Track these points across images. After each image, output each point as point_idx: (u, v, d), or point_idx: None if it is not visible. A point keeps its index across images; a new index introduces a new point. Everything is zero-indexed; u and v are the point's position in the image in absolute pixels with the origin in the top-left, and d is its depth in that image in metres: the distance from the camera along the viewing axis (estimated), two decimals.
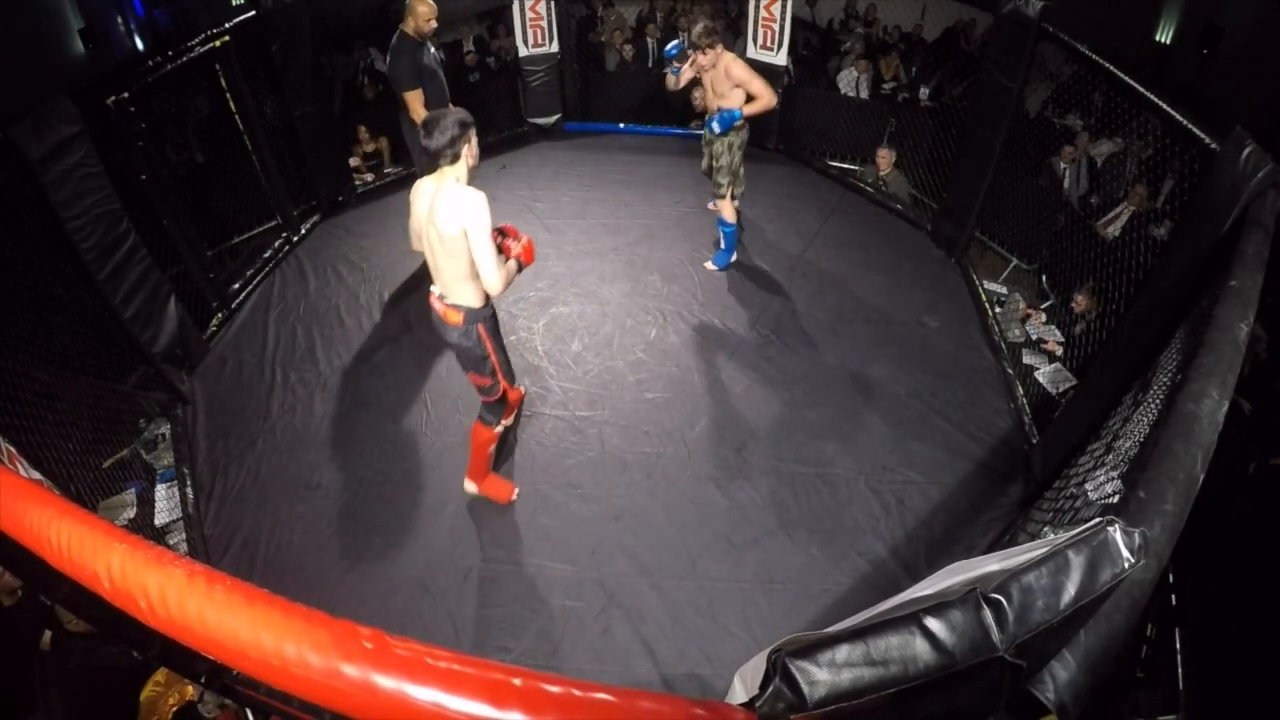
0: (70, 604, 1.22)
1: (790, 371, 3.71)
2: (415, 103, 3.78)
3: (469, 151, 2.39)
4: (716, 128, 3.79)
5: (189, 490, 3.16)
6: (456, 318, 2.52)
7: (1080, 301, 3.83)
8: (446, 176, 2.36)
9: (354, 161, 5.46)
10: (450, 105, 4.01)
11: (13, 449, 2.27)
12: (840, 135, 5.84)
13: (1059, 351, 3.89)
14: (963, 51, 6.48)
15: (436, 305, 2.56)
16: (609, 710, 0.87)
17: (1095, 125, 5.42)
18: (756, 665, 0.99)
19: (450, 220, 2.29)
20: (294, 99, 4.54)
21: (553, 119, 6.03)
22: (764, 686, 0.88)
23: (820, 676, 0.86)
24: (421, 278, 4.40)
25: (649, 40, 6.71)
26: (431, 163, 2.38)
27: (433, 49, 3.92)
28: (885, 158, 5.30)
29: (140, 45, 8.69)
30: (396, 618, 2.65)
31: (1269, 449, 3.39)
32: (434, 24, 3.75)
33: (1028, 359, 3.88)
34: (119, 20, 8.49)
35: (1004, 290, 4.45)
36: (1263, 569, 2.93)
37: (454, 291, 2.49)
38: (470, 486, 3.08)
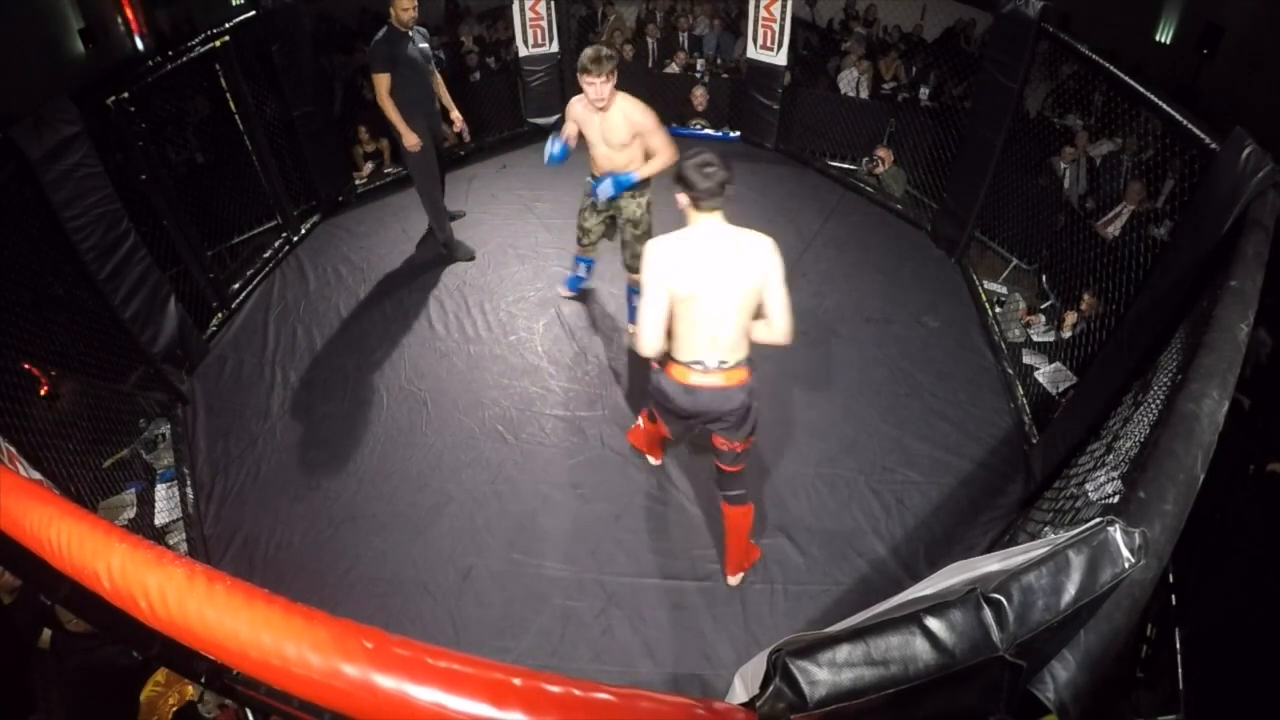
0: (70, 604, 1.22)
1: (790, 371, 3.71)
2: (380, 85, 3.81)
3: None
4: (609, 190, 3.09)
5: (189, 490, 3.16)
6: (744, 375, 2.25)
7: (1085, 302, 3.80)
8: (720, 220, 2.13)
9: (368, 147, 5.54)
10: (443, 98, 4.14)
11: (13, 449, 2.27)
12: (840, 135, 5.84)
13: (1069, 334, 3.85)
14: (963, 51, 6.48)
15: (712, 380, 2.21)
16: (609, 710, 0.86)
17: (1095, 125, 5.43)
18: (757, 665, 0.99)
19: (754, 268, 2.08)
20: (294, 99, 4.54)
21: (553, 119, 6.02)
22: (764, 686, 0.88)
23: (821, 676, 0.86)
24: (421, 277, 4.39)
25: (649, 40, 6.72)
26: (707, 201, 2.10)
27: (422, 43, 3.92)
28: (885, 156, 5.31)
29: (140, 45, 8.69)
30: (396, 618, 2.65)
31: (1269, 451, 3.39)
32: (412, 12, 3.76)
33: (1028, 359, 3.88)
34: (119, 20, 8.49)
35: (1004, 290, 4.46)
36: (1263, 569, 2.93)
37: (739, 350, 2.21)
38: (734, 579, 2.77)
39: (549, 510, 3.05)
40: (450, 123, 4.21)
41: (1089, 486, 2.26)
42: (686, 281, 2.10)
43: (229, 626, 0.89)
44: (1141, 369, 2.46)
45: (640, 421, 3.07)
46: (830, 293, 4.30)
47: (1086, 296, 3.79)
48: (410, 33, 3.82)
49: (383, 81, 3.81)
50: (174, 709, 2.60)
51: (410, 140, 3.93)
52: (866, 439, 3.37)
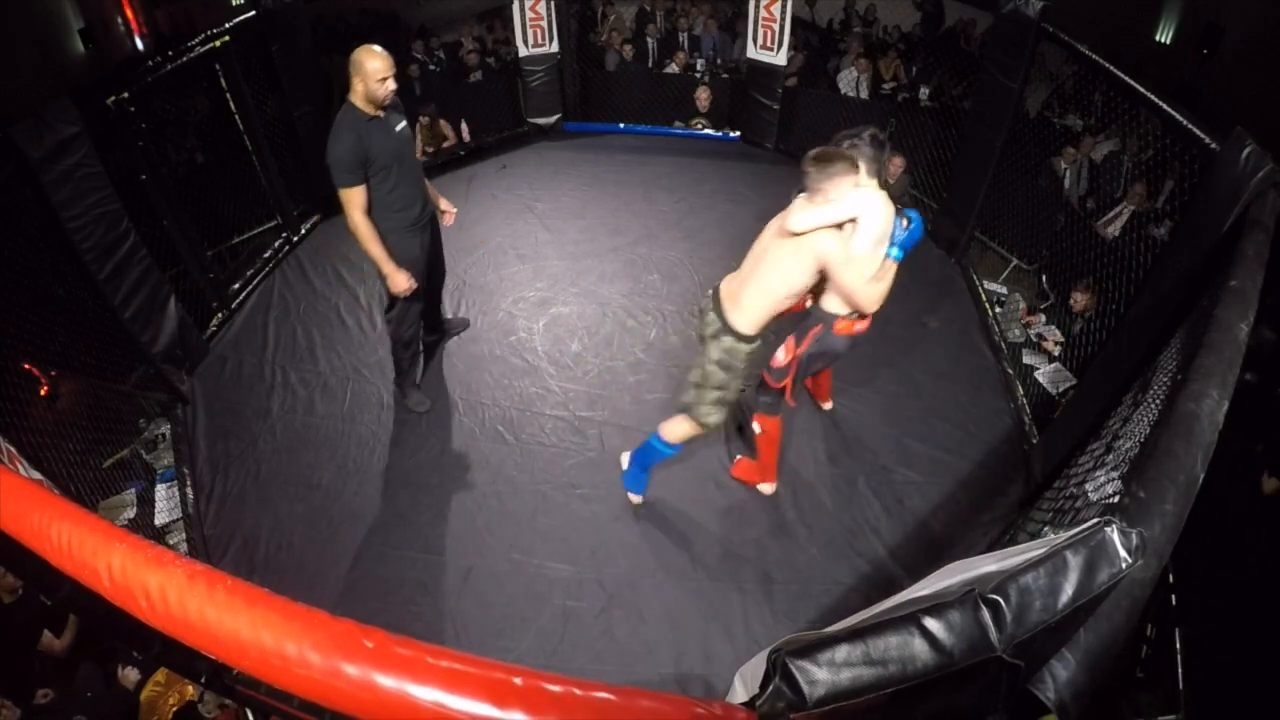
0: (71, 604, 1.22)
1: None
2: (350, 205, 2.71)
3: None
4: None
5: (189, 490, 3.16)
6: None
7: (1078, 300, 3.82)
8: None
9: None
10: (427, 189, 3.04)
11: (13, 449, 2.27)
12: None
13: (1057, 352, 3.88)
14: (963, 51, 6.49)
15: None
16: (610, 709, 0.87)
17: (1095, 126, 5.43)
18: (757, 665, 0.99)
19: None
20: (294, 99, 4.54)
21: (553, 119, 6.03)
22: (764, 686, 0.89)
23: (820, 676, 0.86)
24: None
25: (649, 40, 6.72)
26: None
27: (401, 122, 2.80)
28: (896, 165, 5.28)
29: (140, 45, 8.70)
30: (397, 618, 2.65)
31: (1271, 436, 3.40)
32: (390, 85, 2.64)
33: (1028, 359, 3.88)
34: (119, 20, 8.50)
35: (1004, 290, 4.46)
36: (1263, 568, 2.93)
37: None
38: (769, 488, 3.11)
39: (549, 510, 3.05)
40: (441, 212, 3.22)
41: (1089, 486, 2.26)
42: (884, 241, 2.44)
43: (229, 626, 0.89)
44: (1141, 369, 2.46)
45: (745, 455, 3.19)
46: None
47: (1079, 296, 3.81)
48: (385, 112, 2.72)
49: (354, 200, 2.69)
50: (174, 709, 2.61)
51: (400, 284, 2.90)
52: (866, 439, 3.37)
